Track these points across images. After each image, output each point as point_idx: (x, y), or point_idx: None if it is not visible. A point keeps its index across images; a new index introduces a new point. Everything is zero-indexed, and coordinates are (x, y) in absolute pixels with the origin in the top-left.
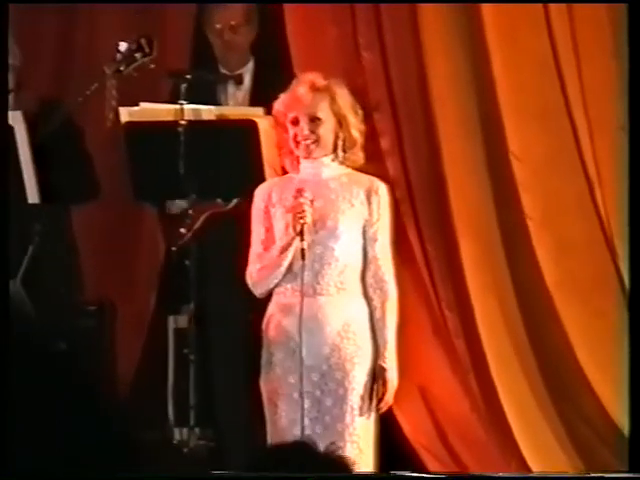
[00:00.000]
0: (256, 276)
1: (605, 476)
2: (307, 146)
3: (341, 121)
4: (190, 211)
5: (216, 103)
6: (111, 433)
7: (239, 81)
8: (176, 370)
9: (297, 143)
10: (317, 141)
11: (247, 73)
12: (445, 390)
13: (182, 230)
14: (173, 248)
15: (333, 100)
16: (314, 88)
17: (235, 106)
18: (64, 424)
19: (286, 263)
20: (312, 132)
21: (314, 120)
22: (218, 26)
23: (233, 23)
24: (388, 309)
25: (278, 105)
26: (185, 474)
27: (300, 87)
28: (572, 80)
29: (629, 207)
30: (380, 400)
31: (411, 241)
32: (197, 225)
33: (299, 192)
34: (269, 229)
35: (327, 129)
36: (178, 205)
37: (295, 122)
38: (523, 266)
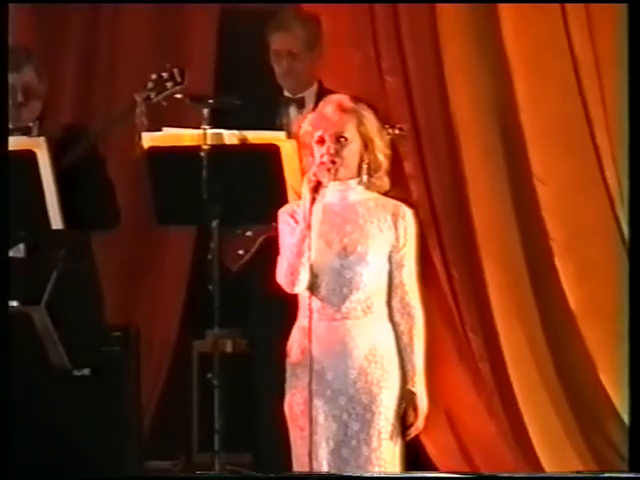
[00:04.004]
0: (284, 272)
1: (605, 476)
2: (332, 166)
3: (367, 144)
4: (248, 233)
5: (277, 126)
6: (134, 457)
7: (301, 105)
8: (200, 395)
9: (322, 164)
10: (342, 162)
11: (309, 97)
12: (470, 413)
13: (240, 252)
14: (233, 269)
15: (360, 122)
16: (342, 108)
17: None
18: (87, 447)
19: (307, 248)
20: (337, 152)
21: (340, 140)
22: (277, 51)
23: (294, 51)
24: (415, 334)
25: (305, 125)
26: (184, 475)
27: (328, 106)
28: (594, 102)
29: None
30: (410, 426)
31: (435, 264)
32: (254, 248)
33: (321, 141)
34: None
35: (353, 150)
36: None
37: (321, 141)
38: (547, 289)
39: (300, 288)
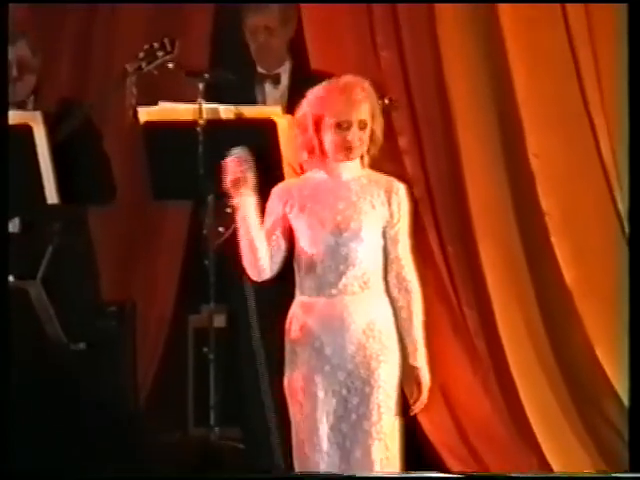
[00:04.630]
0: (246, 262)
1: (605, 476)
2: (353, 150)
3: (374, 125)
4: (228, 210)
5: (253, 102)
6: (129, 432)
7: (276, 81)
8: (196, 370)
9: (342, 147)
10: (360, 145)
11: (284, 73)
12: (466, 390)
13: (220, 229)
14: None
15: (372, 104)
16: (364, 93)
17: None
18: (82, 424)
19: (259, 243)
20: (360, 138)
21: (364, 125)
22: (254, 27)
23: (270, 25)
24: (414, 309)
25: (318, 106)
26: (183, 475)
27: (356, 92)
28: (591, 82)
29: None
30: (415, 401)
31: (430, 240)
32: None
33: (346, 126)
34: (276, 224)
35: (367, 133)
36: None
37: (347, 126)
38: (543, 266)
39: (263, 278)
